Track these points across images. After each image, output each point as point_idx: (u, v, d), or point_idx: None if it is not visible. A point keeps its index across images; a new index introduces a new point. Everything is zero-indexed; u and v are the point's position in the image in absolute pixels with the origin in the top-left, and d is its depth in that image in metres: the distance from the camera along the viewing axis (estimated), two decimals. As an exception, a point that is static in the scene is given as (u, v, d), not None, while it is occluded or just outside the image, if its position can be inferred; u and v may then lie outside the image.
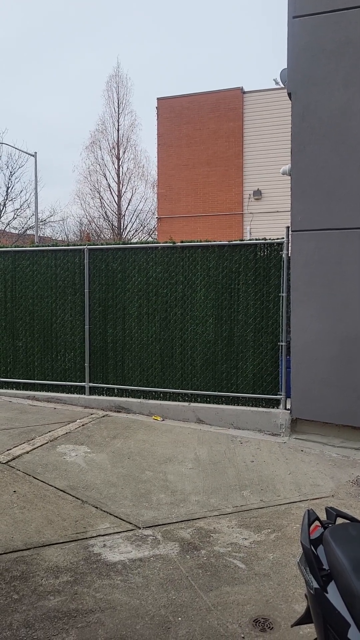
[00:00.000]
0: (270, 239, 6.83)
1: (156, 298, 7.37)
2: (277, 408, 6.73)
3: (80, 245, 7.92)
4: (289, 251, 6.55)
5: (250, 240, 7.06)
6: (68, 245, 8.08)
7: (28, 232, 30.12)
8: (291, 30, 6.22)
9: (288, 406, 6.60)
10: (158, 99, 20.69)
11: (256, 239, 6.99)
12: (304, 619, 2.01)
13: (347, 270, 6.03)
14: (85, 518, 4.18)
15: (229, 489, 4.81)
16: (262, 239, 6.90)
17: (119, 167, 30.32)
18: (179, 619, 2.99)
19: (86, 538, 3.87)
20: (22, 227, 30.48)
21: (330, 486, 4.93)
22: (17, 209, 30.12)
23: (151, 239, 28.12)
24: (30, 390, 8.15)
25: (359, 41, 5.91)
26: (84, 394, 7.81)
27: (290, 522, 4.15)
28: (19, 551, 3.68)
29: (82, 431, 6.48)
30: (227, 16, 61.15)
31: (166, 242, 7.38)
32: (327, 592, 1.76)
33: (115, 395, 7.66)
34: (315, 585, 1.80)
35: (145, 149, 55.85)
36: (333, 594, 1.74)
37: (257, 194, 19.09)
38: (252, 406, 6.87)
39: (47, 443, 5.98)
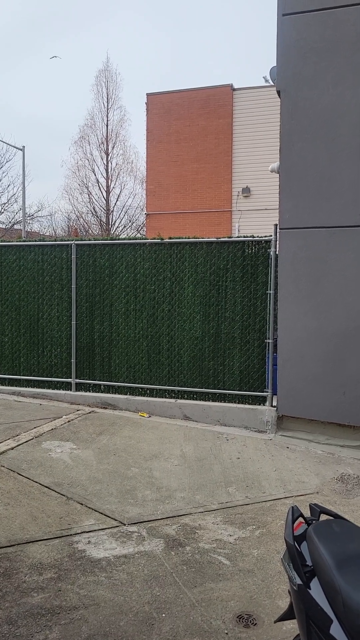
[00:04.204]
0: (258, 237, 6.84)
1: (144, 294, 7.34)
2: (264, 405, 6.75)
3: (68, 240, 7.87)
4: (277, 249, 6.57)
5: (238, 237, 7.06)
6: (55, 241, 8.02)
7: (15, 226, 29.86)
8: (281, 27, 6.22)
9: (274, 403, 6.62)
10: (147, 94, 20.58)
11: (244, 236, 7.00)
12: (287, 615, 2.02)
13: (334, 269, 6.06)
14: (70, 514, 4.16)
15: (215, 485, 4.82)
16: (250, 237, 6.91)
17: (107, 163, 30.17)
18: (163, 615, 2.98)
19: (71, 535, 3.86)
20: (9, 222, 30.20)
21: (315, 483, 4.96)
22: (4, 204, 29.81)
23: (139, 235, 28.06)
24: (16, 386, 8.09)
25: (348, 39, 5.92)
26: (70, 390, 7.78)
27: (275, 519, 4.17)
28: (3, 548, 3.65)
29: (67, 427, 6.45)
30: (217, 12, 61.08)
31: (154, 239, 7.36)
32: (310, 588, 1.77)
33: (102, 392, 7.63)
34: (298, 581, 1.81)
35: (134, 144, 55.64)
36: (316, 590, 1.75)
37: (246, 191, 19.10)
38: (238, 403, 6.89)
39: (32, 439, 5.94)
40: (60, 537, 3.82)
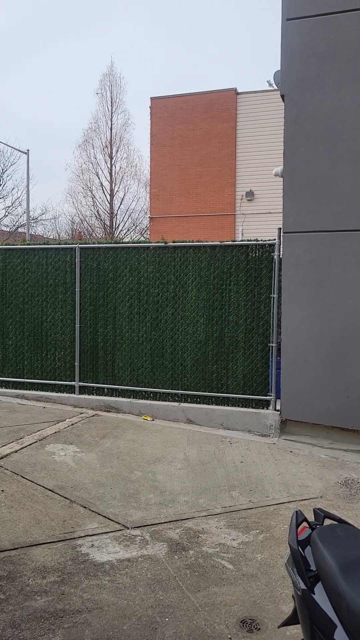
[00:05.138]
0: (262, 240, 6.85)
1: (147, 298, 7.35)
2: (267, 409, 6.74)
3: (72, 243, 7.89)
4: (281, 252, 6.57)
5: (242, 241, 7.06)
6: (59, 244, 8.04)
7: (19, 230, 29.95)
8: (285, 32, 6.24)
9: (278, 407, 6.61)
10: (151, 98, 20.66)
11: (248, 240, 7.00)
12: (291, 620, 2.02)
13: (337, 272, 6.06)
14: (74, 518, 4.17)
15: (218, 489, 4.81)
16: (254, 240, 6.91)
17: (111, 166, 30.25)
18: (166, 619, 2.98)
19: (74, 538, 3.86)
20: (14, 225, 30.30)
21: (319, 487, 4.95)
22: (9, 207, 29.93)
23: (143, 239, 28.09)
24: (20, 389, 8.10)
25: (352, 44, 5.94)
26: (74, 393, 7.78)
27: (279, 523, 4.16)
28: (6, 551, 3.66)
29: (71, 430, 6.45)
30: (221, 16, 61.26)
31: (158, 242, 7.37)
32: (314, 593, 1.76)
33: (105, 395, 7.64)
34: (302, 586, 1.81)
35: (138, 148, 55.81)
36: (320, 595, 1.74)
37: (250, 195, 19.12)
38: (242, 407, 6.88)
39: (35, 442, 5.95)
40: (63, 540, 3.82)
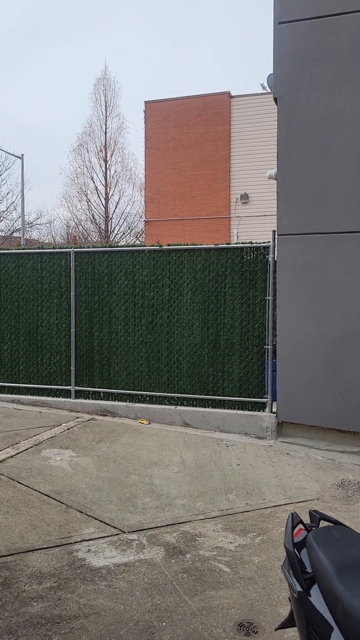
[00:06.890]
0: (256, 243, 6.86)
1: (142, 301, 7.35)
2: (263, 411, 6.74)
3: (67, 248, 7.88)
4: (275, 255, 6.58)
5: (237, 243, 7.07)
6: (54, 248, 8.04)
7: (14, 234, 29.91)
8: (277, 35, 6.27)
9: (274, 409, 6.61)
10: (146, 102, 20.71)
11: (243, 243, 7.01)
12: (288, 623, 2.01)
13: (332, 274, 6.07)
14: (70, 523, 4.15)
15: (215, 492, 4.80)
16: (249, 243, 6.93)
17: (106, 170, 30.29)
18: (164, 624, 2.97)
19: (70, 543, 3.84)
20: (8, 230, 30.25)
21: (316, 489, 4.95)
22: (3, 212, 29.88)
23: (138, 242, 28.11)
24: (15, 394, 8.08)
25: (344, 47, 5.97)
26: (70, 397, 7.76)
27: (276, 526, 4.15)
28: (2, 557, 3.64)
29: (67, 435, 6.43)
30: (216, 19, 61.50)
31: (153, 245, 7.37)
32: (310, 596, 1.76)
33: (101, 399, 7.62)
34: (298, 588, 1.81)
35: (132, 152, 55.94)
36: (316, 598, 1.74)
37: (244, 197, 19.17)
38: (238, 409, 6.88)
39: (31, 447, 5.92)
40: (60, 545, 3.80)
